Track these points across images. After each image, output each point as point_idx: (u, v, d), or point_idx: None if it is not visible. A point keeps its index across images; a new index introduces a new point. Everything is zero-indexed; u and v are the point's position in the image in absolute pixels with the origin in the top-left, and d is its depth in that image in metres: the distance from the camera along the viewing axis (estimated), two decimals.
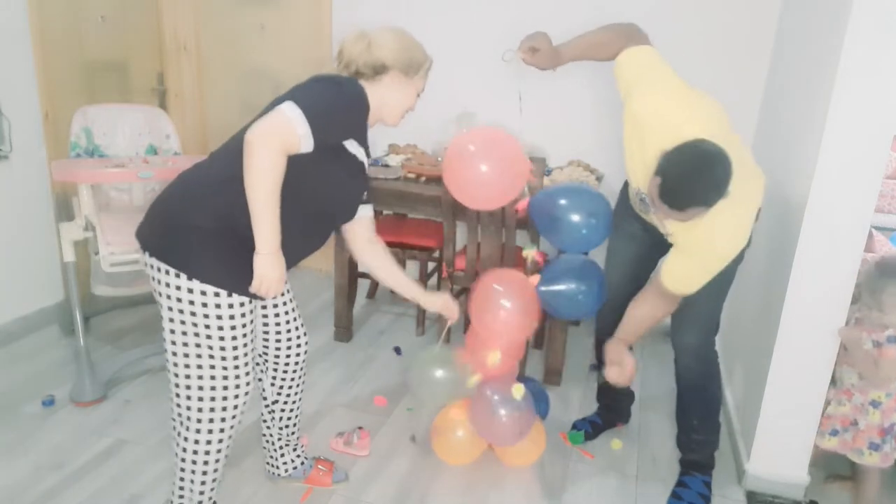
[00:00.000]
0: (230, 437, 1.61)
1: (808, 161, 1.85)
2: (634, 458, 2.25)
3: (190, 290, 1.45)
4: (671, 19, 2.86)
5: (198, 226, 1.44)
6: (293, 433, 1.96)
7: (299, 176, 1.43)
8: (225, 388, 1.53)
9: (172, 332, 1.51)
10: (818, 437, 1.99)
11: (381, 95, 1.60)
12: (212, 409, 1.54)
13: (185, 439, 1.57)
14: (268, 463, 2.01)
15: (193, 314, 1.46)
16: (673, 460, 2.18)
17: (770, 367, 1.98)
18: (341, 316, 2.98)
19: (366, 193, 1.76)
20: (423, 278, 3.08)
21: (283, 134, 1.36)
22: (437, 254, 3.13)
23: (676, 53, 2.89)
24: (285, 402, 1.90)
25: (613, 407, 2.40)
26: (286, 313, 1.80)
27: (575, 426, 2.37)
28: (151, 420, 2.30)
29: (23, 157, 2.78)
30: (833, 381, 1.99)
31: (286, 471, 1.99)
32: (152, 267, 1.49)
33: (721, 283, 1.83)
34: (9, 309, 2.82)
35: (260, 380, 1.89)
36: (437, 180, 2.64)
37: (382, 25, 1.68)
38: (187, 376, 1.52)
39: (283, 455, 1.98)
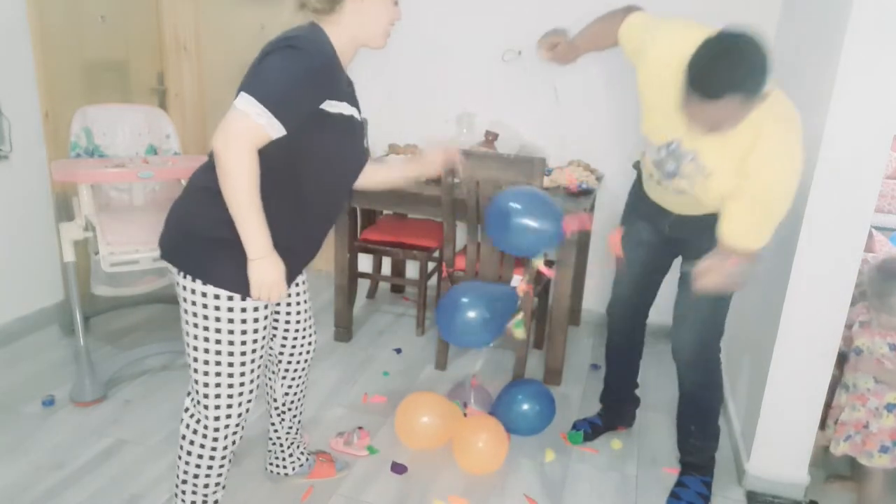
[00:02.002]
0: (235, 435, 1.59)
1: (808, 161, 1.85)
2: (634, 458, 2.25)
3: (204, 294, 1.42)
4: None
5: (207, 231, 1.41)
6: (298, 431, 1.97)
7: (292, 161, 1.38)
8: (230, 385, 1.50)
9: (187, 333, 1.49)
10: (833, 445, 1.98)
11: (347, 26, 1.45)
12: (217, 407, 1.52)
13: (195, 432, 1.55)
14: (272, 464, 2.01)
15: (206, 318, 1.44)
16: (673, 460, 2.18)
17: (770, 367, 1.98)
18: (341, 316, 2.98)
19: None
20: (423, 278, 3.08)
21: (243, 132, 1.28)
22: (437, 254, 3.13)
23: None
24: (292, 402, 1.91)
25: (616, 409, 2.40)
26: (298, 313, 1.79)
27: (575, 426, 2.37)
28: (151, 420, 2.30)
29: (23, 157, 2.78)
30: (846, 387, 1.99)
31: (293, 469, 2.00)
32: (172, 271, 1.49)
33: (714, 294, 1.78)
34: (9, 309, 2.82)
35: (268, 383, 1.89)
36: (437, 180, 2.64)
37: None
38: (206, 373, 1.49)
39: (290, 454, 1.98)
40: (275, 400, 1.90)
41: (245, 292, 1.42)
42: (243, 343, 1.47)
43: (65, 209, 2.61)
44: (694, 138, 1.60)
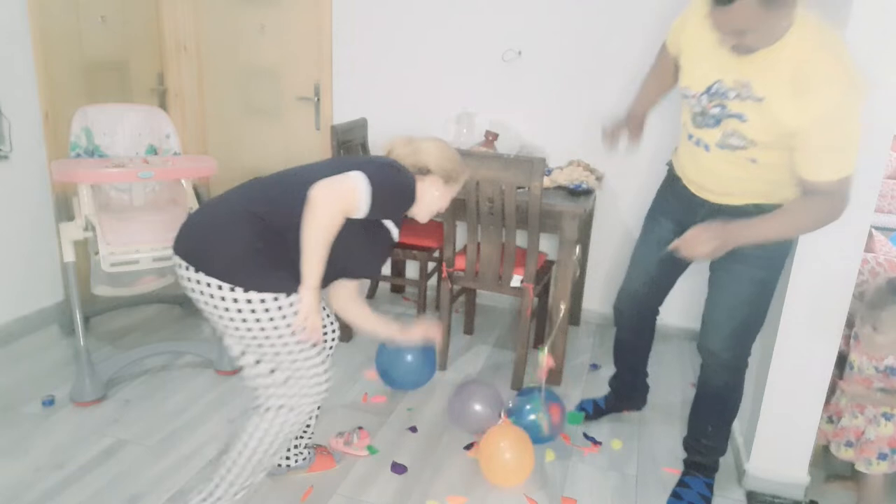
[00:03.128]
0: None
1: None
2: (634, 458, 2.25)
3: (262, 301, 1.55)
4: (671, 20, 2.85)
5: (254, 252, 1.55)
6: (309, 424, 2.01)
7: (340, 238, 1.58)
8: (310, 357, 1.68)
9: (255, 339, 1.61)
10: (834, 447, 1.98)
11: (421, 191, 1.71)
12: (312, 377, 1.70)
13: (268, 410, 1.68)
14: (291, 460, 2.04)
15: (259, 320, 1.57)
16: (673, 460, 2.18)
17: (770, 367, 1.98)
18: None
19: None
20: (424, 278, 3.08)
21: (348, 201, 1.51)
22: (437, 254, 3.13)
23: None
24: None
25: (624, 394, 2.43)
26: (323, 308, 1.90)
27: (580, 405, 2.43)
28: (151, 420, 2.30)
29: (23, 157, 2.78)
30: (845, 393, 1.99)
31: (296, 461, 2.03)
32: (209, 285, 1.56)
33: (759, 286, 1.78)
34: (9, 309, 2.82)
35: None
36: None
37: (429, 136, 1.84)
38: (292, 360, 1.65)
39: (296, 446, 2.02)
40: None
41: (290, 290, 1.58)
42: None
43: (65, 209, 2.61)
44: (737, 70, 1.54)
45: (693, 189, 1.86)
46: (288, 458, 2.02)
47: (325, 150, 3.38)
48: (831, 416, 2.00)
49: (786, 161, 1.57)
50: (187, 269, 1.57)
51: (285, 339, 1.61)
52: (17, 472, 2.00)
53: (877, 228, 2.38)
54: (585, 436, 2.34)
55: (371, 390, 2.58)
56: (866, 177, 1.75)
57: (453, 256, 2.65)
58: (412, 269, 3.56)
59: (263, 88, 3.56)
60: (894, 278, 1.89)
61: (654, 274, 2.08)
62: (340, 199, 1.51)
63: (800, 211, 1.58)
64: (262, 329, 1.58)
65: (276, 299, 1.56)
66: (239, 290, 1.53)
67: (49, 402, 2.35)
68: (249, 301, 1.54)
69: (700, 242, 1.60)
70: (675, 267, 2.03)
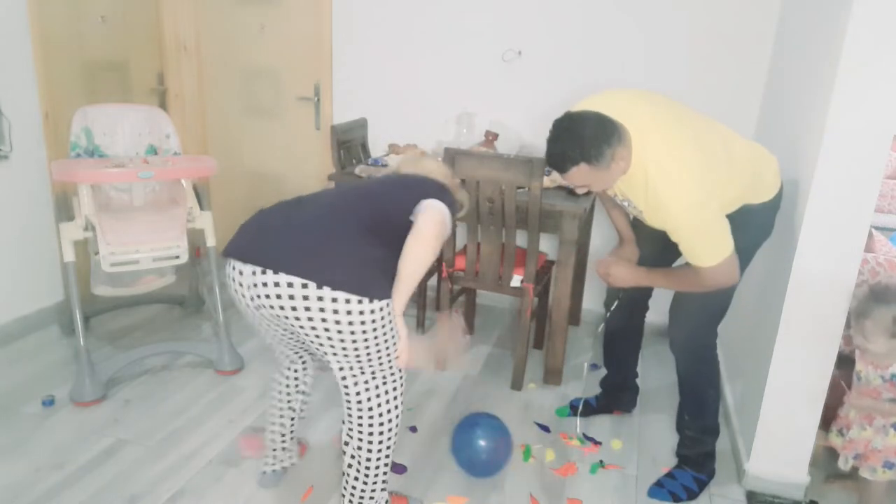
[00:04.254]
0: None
1: (808, 161, 1.85)
2: (634, 458, 2.25)
3: (372, 311, 1.52)
4: (671, 20, 2.86)
5: (371, 263, 1.57)
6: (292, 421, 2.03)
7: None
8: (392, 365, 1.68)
9: (359, 349, 1.57)
10: (841, 461, 1.97)
11: None
12: (395, 381, 1.70)
13: (371, 434, 1.68)
14: (274, 462, 2.01)
15: (381, 326, 1.56)
16: (673, 460, 2.18)
17: (770, 367, 1.98)
18: None
19: None
20: (423, 278, 3.08)
21: (444, 233, 1.63)
22: None
23: (676, 55, 2.90)
24: (306, 391, 1.97)
25: (614, 395, 2.46)
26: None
27: (570, 403, 2.49)
28: (151, 420, 2.30)
29: (23, 157, 2.78)
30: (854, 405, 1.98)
31: (291, 460, 2.04)
32: (322, 299, 1.49)
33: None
34: (9, 309, 2.82)
35: (294, 376, 1.93)
36: None
37: (429, 155, 1.93)
38: (388, 364, 1.65)
39: (284, 449, 2.01)
40: (288, 394, 1.94)
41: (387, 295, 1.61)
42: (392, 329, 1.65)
43: (65, 209, 2.61)
44: (620, 189, 1.82)
45: None
46: (283, 459, 2.01)
47: (325, 150, 3.38)
48: (841, 429, 1.99)
49: None
50: (305, 286, 1.47)
51: (389, 344, 1.61)
52: (17, 472, 2.00)
53: (877, 228, 2.38)
54: (585, 436, 2.35)
55: None
56: (866, 177, 1.75)
57: (453, 256, 2.65)
58: None
59: (263, 88, 3.56)
60: (875, 284, 1.85)
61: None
62: (441, 235, 1.60)
63: (694, 278, 1.79)
64: (375, 337, 1.56)
65: (381, 309, 1.55)
66: (365, 300, 1.49)
67: (49, 402, 2.35)
68: (373, 311, 1.52)
69: (620, 277, 1.99)
70: (658, 262, 2.08)
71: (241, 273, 1.54)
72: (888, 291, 1.79)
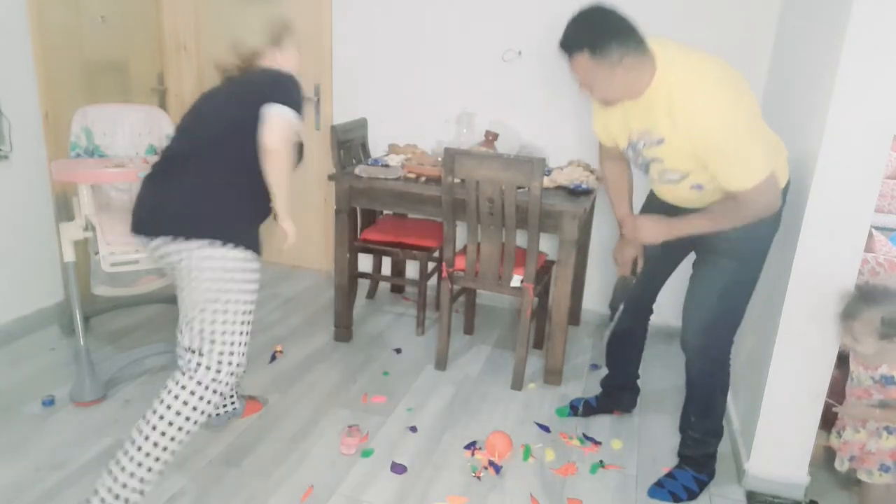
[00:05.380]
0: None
1: (808, 161, 1.85)
2: (634, 458, 2.25)
3: (234, 258, 1.75)
4: (671, 20, 2.86)
5: (234, 212, 1.79)
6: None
7: (254, 148, 1.72)
8: (244, 324, 1.83)
9: (209, 293, 1.75)
10: (837, 462, 1.97)
11: (279, 64, 1.88)
12: (232, 344, 1.81)
13: (199, 383, 1.76)
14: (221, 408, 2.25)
15: (231, 273, 1.76)
16: (673, 460, 2.18)
17: (770, 367, 1.98)
18: (341, 316, 2.98)
19: None
20: (424, 278, 3.08)
21: (290, 136, 1.71)
22: (437, 254, 3.13)
23: None
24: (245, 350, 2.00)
25: (614, 395, 2.46)
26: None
27: (571, 402, 2.48)
28: None
29: (23, 157, 2.78)
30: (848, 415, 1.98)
31: (231, 410, 2.27)
32: (188, 246, 1.72)
33: (730, 280, 1.84)
34: (9, 309, 2.82)
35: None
36: (437, 180, 2.64)
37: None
38: (230, 321, 1.79)
39: (232, 397, 2.26)
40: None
41: (258, 250, 1.83)
42: (253, 291, 1.83)
43: (65, 209, 2.61)
44: (636, 123, 1.75)
45: (667, 201, 1.97)
46: (226, 406, 2.24)
47: (325, 150, 3.38)
48: (839, 430, 1.99)
49: None
50: (174, 240, 1.72)
51: (236, 304, 1.78)
52: (17, 472, 2.00)
53: (877, 228, 2.38)
54: (585, 436, 2.35)
55: (371, 390, 2.59)
56: (866, 177, 1.75)
57: (453, 256, 2.65)
58: (412, 269, 3.56)
59: None
60: (863, 285, 1.85)
61: (646, 273, 2.13)
62: (287, 139, 1.69)
63: (732, 210, 1.71)
64: (230, 284, 1.75)
65: (249, 260, 1.78)
66: (229, 246, 1.72)
67: (49, 402, 2.35)
68: (235, 258, 1.74)
69: (648, 231, 1.88)
70: (664, 266, 2.10)
71: (143, 246, 1.82)
72: (876, 292, 1.78)
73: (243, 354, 1.84)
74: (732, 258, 1.84)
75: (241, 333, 1.81)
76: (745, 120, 1.60)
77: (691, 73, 1.62)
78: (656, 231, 1.87)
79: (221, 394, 1.79)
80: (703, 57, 1.66)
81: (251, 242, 1.81)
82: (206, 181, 1.75)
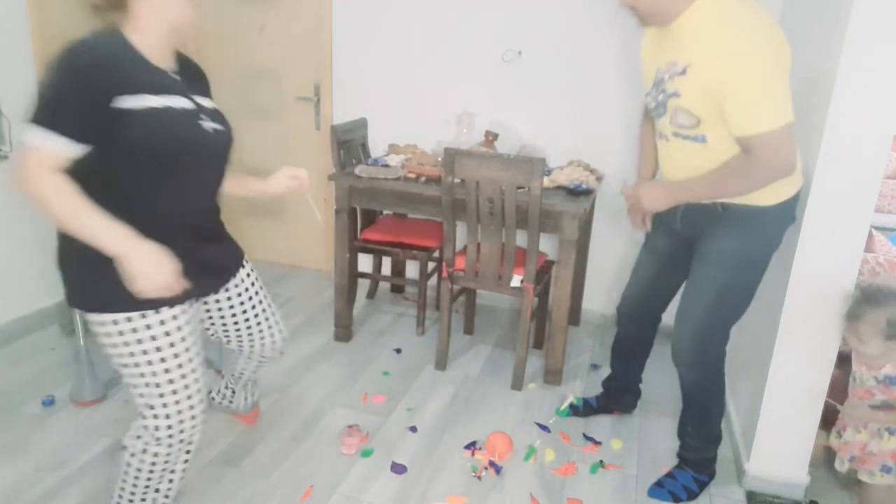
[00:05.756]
0: (194, 437, 1.57)
1: (807, 161, 1.85)
2: (634, 458, 2.25)
3: (102, 324, 1.39)
4: None
5: (76, 262, 1.39)
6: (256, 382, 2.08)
7: (122, 167, 1.33)
8: (174, 392, 1.48)
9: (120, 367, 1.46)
10: (837, 462, 1.97)
11: (142, 24, 1.37)
12: (167, 417, 1.50)
13: (144, 451, 1.53)
14: (218, 393, 2.15)
15: (115, 346, 1.41)
16: (673, 460, 2.18)
17: (770, 367, 1.98)
18: (341, 316, 2.98)
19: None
20: (424, 278, 3.08)
21: (37, 166, 1.23)
22: (437, 254, 3.13)
23: None
24: (263, 362, 1.99)
25: (615, 396, 2.45)
26: (253, 307, 1.78)
27: (570, 403, 2.47)
28: None
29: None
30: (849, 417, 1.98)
31: (233, 402, 2.16)
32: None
33: (720, 288, 1.82)
34: (9, 309, 2.82)
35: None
36: (437, 180, 2.64)
37: None
38: (147, 395, 1.47)
39: (242, 391, 2.15)
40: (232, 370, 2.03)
41: (137, 307, 1.36)
42: (174, 356, 1.45)
43: None
44: (664, 54, 1.72)
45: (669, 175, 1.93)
46: (229, 399, 2.14)
47: (325, 150, 3.38)
48: (839, 431, 1.99)
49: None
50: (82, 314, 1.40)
51: (146, 377, 1.44)
52: (17, 472, 2.00)
53: (877, 228, 2.38)
54: (585, 436, 2.35)
55: (371, 390, 2.58)
56: (866, 177, 1.75)
57: (453, 256, 2.65)
58: (412, 269, 3.56)
59: (263, 88, 3.56)
60: (866, 287, 1.84)
61: (653, 281, 2.12)
62: (31, 174, 1.23)
63: (741, 167, 1.64)
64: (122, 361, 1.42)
65: (129, 320, 1.37)
66: (95, 314, 1.38)
67: (49, 402, 2.35)
68: (102, 324, 1.38)
69: (649, 198, 1.85)
70: (675, 274, 2.07)
71: None
72: (880, 293, 1.79)
73: (201, 401, 1.54)
74: (725, 269, 1.81)
75: (184, 388, 1.48)
76: (775, 63, 1.53)
77: (731, 6, 1.57)
78: (658, 197, 1.84)
79: (181, 440, 1.53)
80: (756, 6, 1.59)
81: (108, 298, 1.36)
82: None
